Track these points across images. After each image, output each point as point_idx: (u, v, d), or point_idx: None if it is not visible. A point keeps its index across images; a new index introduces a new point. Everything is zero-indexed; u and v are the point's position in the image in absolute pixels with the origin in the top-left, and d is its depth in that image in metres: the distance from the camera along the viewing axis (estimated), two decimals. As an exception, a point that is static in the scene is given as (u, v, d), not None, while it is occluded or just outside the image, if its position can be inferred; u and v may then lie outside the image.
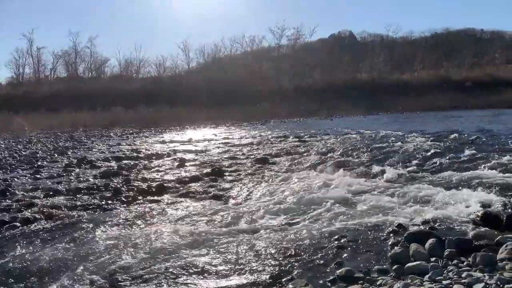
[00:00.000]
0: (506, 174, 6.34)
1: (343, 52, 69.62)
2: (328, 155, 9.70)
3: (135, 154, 11.85)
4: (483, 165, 7.26)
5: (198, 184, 7.33)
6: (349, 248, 3.83)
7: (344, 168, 8.06)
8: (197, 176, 8.03)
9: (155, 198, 6.36)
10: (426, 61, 65.07)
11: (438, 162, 7.99)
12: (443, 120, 22.88)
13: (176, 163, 9.72)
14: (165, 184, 7.21)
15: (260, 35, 70.68)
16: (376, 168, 7.68)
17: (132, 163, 10.07)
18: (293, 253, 3.75)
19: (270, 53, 69.57)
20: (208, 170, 8.56)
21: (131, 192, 6.75)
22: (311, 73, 61.16)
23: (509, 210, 4.61)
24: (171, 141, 15.97)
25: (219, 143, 14.32)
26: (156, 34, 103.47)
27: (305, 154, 10.32)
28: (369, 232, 4.23)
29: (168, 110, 36.33)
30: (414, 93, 46.88)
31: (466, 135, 11.70)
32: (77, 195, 6.62)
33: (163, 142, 15.84)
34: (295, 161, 9.47)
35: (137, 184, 7.37)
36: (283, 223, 4.82)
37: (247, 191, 6.68)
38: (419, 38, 75.02)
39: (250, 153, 11.28)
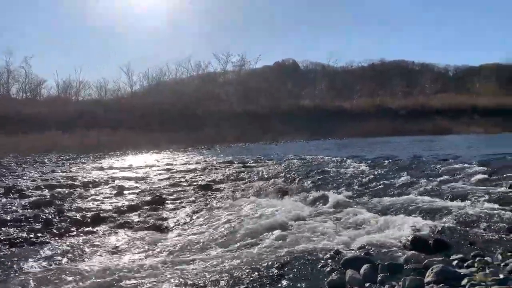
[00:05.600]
0: (434, 199, 6.77)
1: (287, 79, 71.93)
2: (271, 181, 9.82)
3: (70, 182, 11.19)
4: (415, 190, 7.71)
5: (137, 214, 7.07)
6: (287, 276, 3.84)
7: (285, 194, 8.19)
8: (136, 205, 7.75)
9: (90, 229, 6.03)
10: (364, 89, 68.88)
11: (374, 188, 8.36)
12: (379, 145, 24.13)
13: (114, 191, 9.32)
14: (102, 214, 6.86)
15: (206, 61, 70.98)
16: (316, 194, 7.88)
17: (66, 191, 9.49)
18: (230, 284, 3.69)
19: (216, 78, 70.20)
20: (148, 198, 8.31)
21: (64, 224, 6.34)
22: (256, 99, 62.33)
23: (437, 234, 4.89)
24: (110, 168, 15.32)
25: (161, 170, 13.97)
26: (97, 56, 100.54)
27: (248, 180, 10.37)
28: (308, 259, 4.27)
29: (109, 134, 35.01)
30: (353, 120, 49.21)
31: (400, 161, 12.38)
32: (2, 228, 6.09)
33: (102, 168, 15.14)
34: (239, 187, 9.47)
35: (70, 215, 6.94)
36: (222, 253, 4.74)
37: (188, 220, 6.54)
38: (357, 68, 79.62)
39: (193, 179, 11.11)
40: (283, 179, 10.05)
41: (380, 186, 8.42)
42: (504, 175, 8.35)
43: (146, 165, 15.91)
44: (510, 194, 6.62)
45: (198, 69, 69.63)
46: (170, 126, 39.65)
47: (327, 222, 5.87)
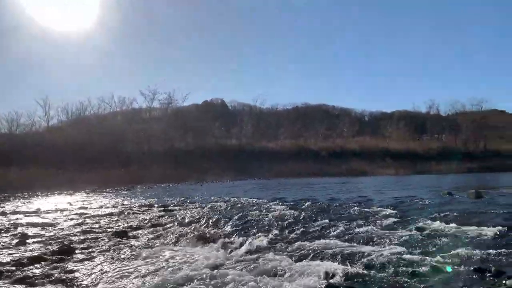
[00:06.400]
0: (349, 243, 7.02)
1: (215, 118, 72.57)
2: (192, 226, 9.53)
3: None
4: (332, 234, 7.95)
5: (40, 266, 6.38)
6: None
7: (206, 240, 7.99)
8: (39, 256, 7.00)
9: (-23, 289, 5.28)
10: (288, 131, 71.73)
11: (293, 232, 8.48)
12: (301, 186, 24.91)
13: (16, 240, 8.38)
14: (-4, 269, 6.07)
15: (131, 97, 68.93)
16: (236, 240, 7.79)
17: (-47, 242, 8.32)
18: None
19: (141, 115, 68.49)
20: (55, 247, 7.59)
21: None
22: (183, 137, 61.67)
23: (349, 282, 5.02)
24: (14, 212, 13.84)
25: (74, 214, 12.92)
26: (9, 88, 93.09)
27: (168, 225, 9.98)
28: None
29: (17, 173, 31.95)
30: (277, 160, 50.65)
31: (319, 203, 12.82)
32: None
33: (3, 213, 13.60)
34: (157, 234, 9.05)
35: (-46, 271, 6.04)
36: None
37: (98, 272, 6.03)
38: (282, 110, 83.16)
39: (108, 225, 10.41)
40: (204, 224, 9.83)
41: (299, 230, 8.56)
42: (411, 218, 9.01)
43: (57, 209, 14.64)
44: (417, 237, 7.10)
45: (122, 105, 67.48)
46: (88, 164, 37.43)
47: (245, 270, 5.78)
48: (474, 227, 7.46)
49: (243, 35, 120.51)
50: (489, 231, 7.04)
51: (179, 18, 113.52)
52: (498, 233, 6.91)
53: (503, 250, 5.86)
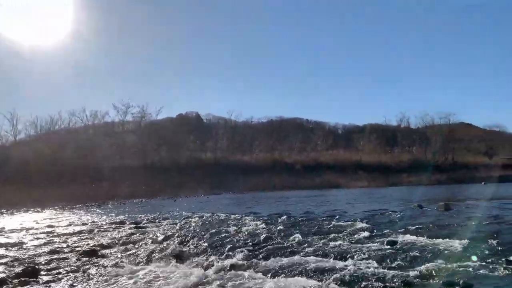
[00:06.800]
0: (323, 258, 7.06)
1: (189, 132, 72.02)
2: (165, 244, 9.35)
3: None
4: (306, 249, 7.97)
5: (2, 290, 6.06)
6: None
7: (178, 258, 7.83)
8: (3, 279, 6.67)
9: None
10: (263, 144, 71.95)
11: (269, 247, 8.44)
12: (276, 200, 24.95)
13: (-24, 263, 7.94)
14: (-49, 296, 5.73)
15: (103, 111, 67.48)
16: (210, 258, 7.69)
17: None
18: None
19: (114, 129, 67.20)
20: (19, 269, 7.23)
21: None
22: (157, 151, 60.81)
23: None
24: (-24, 232, 13.18)
25: (40, 233, 12.40)
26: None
27: (140, 243, 9.73)
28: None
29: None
30: (253, 174, 50.60)
31: (293, 218, 12.86)
32: None
33: (-36, 233, 12.95)
34: (128, 252, 8.81)
35: None
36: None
37: (65, 295, 5.79)
38: (257, 123, 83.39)
39: (77, 244, 10.05)
40: (177, 241, 9.64)
41: (274, 246, 8.53)
42: (383, 232, 9.17)
43: (22, 227, 14.04)
44: (388, 251, 7.20)
45: (94, 119, 66.04)
46: (58, 180, 36.26)
47: (219, 290, 5.69)
48: (443, 240, 7.66)
49: (217, 48, 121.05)
50: (457, 244, 7.24)
51: (152, 32, 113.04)
52: (465, 245, 7.12)
53: (470, 262, 6.03)
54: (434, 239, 7.80)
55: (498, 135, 76.67)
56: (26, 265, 7.63)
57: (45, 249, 9.48)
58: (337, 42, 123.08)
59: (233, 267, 7.02)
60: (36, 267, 7.45)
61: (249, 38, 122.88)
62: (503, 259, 5.94)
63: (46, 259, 8.25)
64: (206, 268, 7.11)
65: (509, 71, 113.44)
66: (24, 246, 10.12)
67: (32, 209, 23.51)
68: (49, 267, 7.55)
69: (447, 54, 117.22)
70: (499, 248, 6.74)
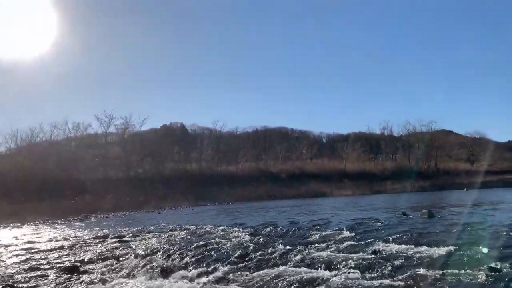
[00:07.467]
0: (308, 269, 7.03)
1: (174, 143, 71.52)
2: (149, 258, 9.16)
3: None
4: (292, 260, 7.94)
5: (-23, 312, 5.83)
6: None
7: (163, 272, 7.68)
8: (-22, 299, 6.43)
9: None
10: (248, 154, 71.88)
11: (254, 259, 8.36)
12: (262, 210, 24.87)
13: (-50, 283, 7.65)
14: None
15: (85, 122, 66.48)
16: (195, 271, 7.57)
17: None
18: None
19: (97, 140, 66.24)
20: (-4, 289, 6.99)
21: None
22: (140, 163, 60.12)
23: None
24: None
25: (20, 249, 12.03)
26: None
27: (124, 257, 9.53)
28: None
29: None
30: (238, 184, 50.45)
31: (279, 228, 12.82)
32: None
33: None
34: (112, 267, 8.61)
35: None
36: None
37: (44, 315, 5.60)
38: (242, 133, 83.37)
39: (58, 260, 9.78)
40: (162, 255, 9.48)
41: (260, 257, 8.46)
42: (368, 240, 9.21)
43: (1, 244, 13.60)
44: (372, 260, 7.22)
45: (76, 131, 64.94)
46: (39, 194, 35.43)
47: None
48: (427, 248, 7.74)
49: (202, 58, 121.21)
50: (441, 251, 7.32)
51: (135, 42, 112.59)
52: (449, 252, 7.20)
53: (454, 270, 6.08)
54: (418, 247, 7.87)
55: (479, 142, 78.31)
56: (3, 284, 7.38)
57: (24, 266, 9.19)
58: (321, 52, 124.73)
59: (219, 280, 6.94)
60: (15, 285, 7.22)
61: (233, 49, 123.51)
62: (485, 266, 6.01)
63: (25, 277, 8.00)
64: (191, 281, 7.01)
65: (489, 79, 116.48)
66: (2, 263, 9.79)
67: (11, 225, 22.88)
68: (28, 285, 7.32)
69: (428, 62, 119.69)
70: (482, 255, 6.83)
